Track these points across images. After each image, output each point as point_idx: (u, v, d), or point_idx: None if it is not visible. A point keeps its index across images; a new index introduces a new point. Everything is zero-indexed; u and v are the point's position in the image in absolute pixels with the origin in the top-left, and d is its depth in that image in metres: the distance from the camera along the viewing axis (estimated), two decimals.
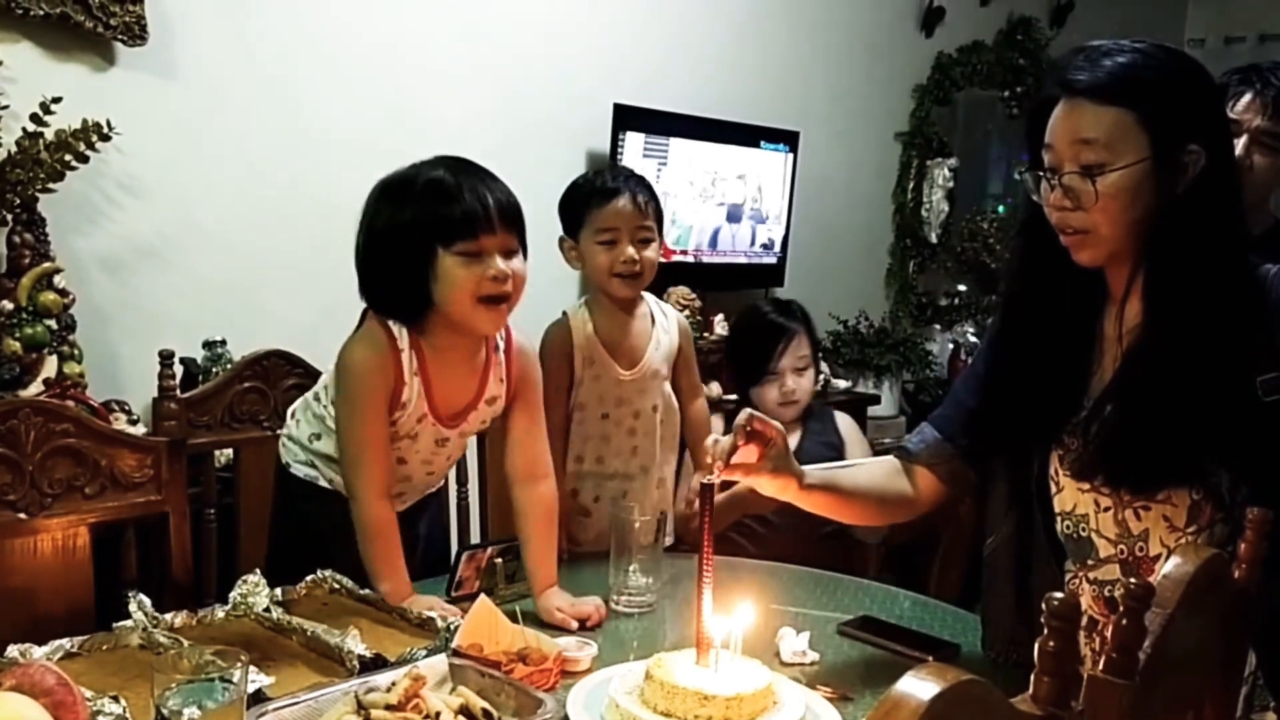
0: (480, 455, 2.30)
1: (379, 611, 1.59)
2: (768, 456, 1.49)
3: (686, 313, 3.11)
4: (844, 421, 2.72)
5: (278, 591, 1.59)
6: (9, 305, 2.22)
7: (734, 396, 2.96)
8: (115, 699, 1.20)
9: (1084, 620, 1.44)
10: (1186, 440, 1.33)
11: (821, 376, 3.95)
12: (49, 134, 2.25)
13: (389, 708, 1.22)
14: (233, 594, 1.57)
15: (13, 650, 1.33)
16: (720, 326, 3.61)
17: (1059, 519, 1.49)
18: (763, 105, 3.91)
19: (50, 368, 2.25)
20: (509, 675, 1.38)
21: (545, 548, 1.75)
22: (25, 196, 2.23)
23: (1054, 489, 1.49)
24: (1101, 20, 4.96)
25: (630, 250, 1.99)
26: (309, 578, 1.65)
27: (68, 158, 2.26)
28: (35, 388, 2.20)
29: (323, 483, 1.83)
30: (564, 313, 2.09)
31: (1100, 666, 0.85)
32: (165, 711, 1.11)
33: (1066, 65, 1.37)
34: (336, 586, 1.65)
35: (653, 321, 2.12)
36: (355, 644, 1.39)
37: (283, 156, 2.77)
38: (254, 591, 1.57)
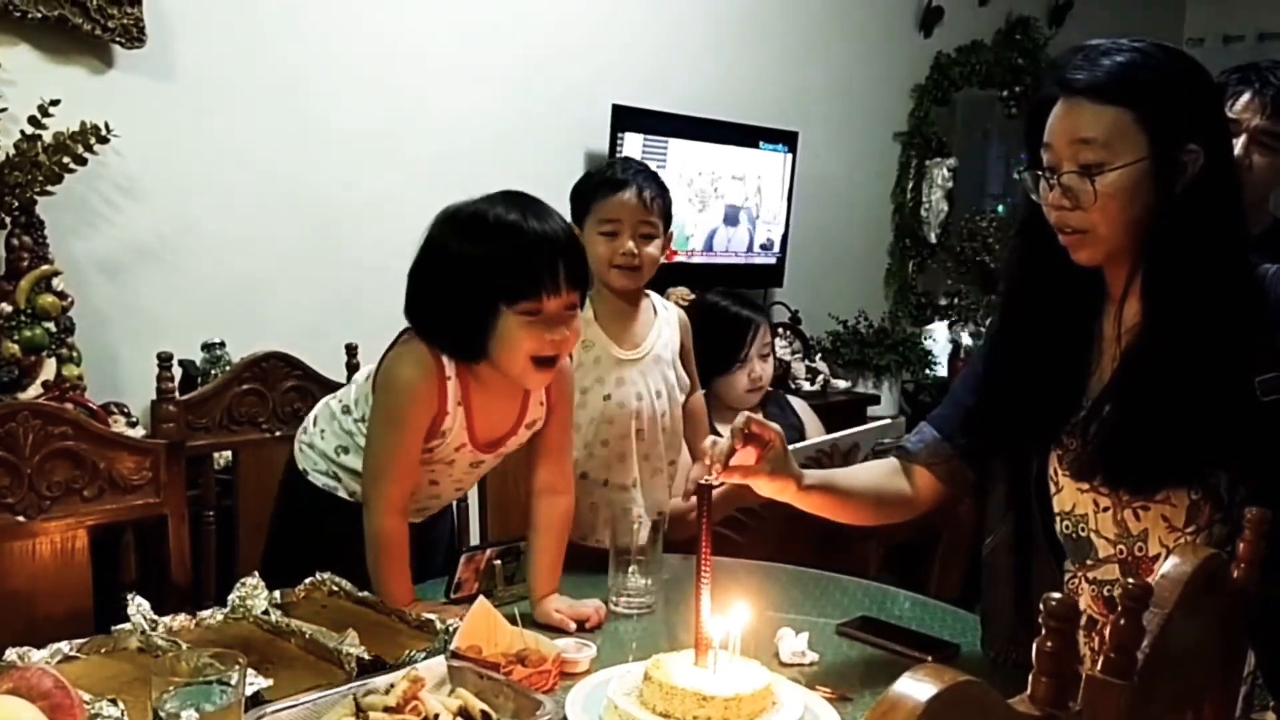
0: None
1: (378, 614, 1.59)
2: (766, 458, 1.49)
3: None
4: (799, 404, 2.90)
5: (276, 594, 1.59)
6: (8, 308, 2.22)
7: None
8: (113, 702, 1.20)
9: (1083, 620, 1.44)
10: (1185, 440, 1.33)
11: (820, 376, 3.97)
12: (47, 136, 2.25)
13: (388, 710, 1.22)
14: (231, 596, 1.57)
15: (11, 654, 1.32)
16: None
17: (1058, 519, 1.48)
18: (761, 106, 3.91)
19: (49, 370, 2.25)
20: (508, 677, 1.37)
21: (553, 559, 1.74)
22: (24, 199, 2.24)
23: (1053, 489, 1.49)
24: (1100, 19, 4.97)
25: (630, 244, 2.00)
26: (307, 580, 1.64)
27: (66, 160, 2.26)
28: (34, 390, 2.20)
29: (342, 493, 1.81)
30: None
31: (1098, 667, 0.85)
32: (163, 714, 1.11)
33: (1065, 64, 1.36)
34: (335, 589, 1.65)
35: (654, 314, 2.13)
36: (354, 646, 1.39)
37: (281, 158, 2.77)
38: (252, 594, 1.56)
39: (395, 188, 2.92)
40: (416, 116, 3.01)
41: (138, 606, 1.46)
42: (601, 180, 2.04)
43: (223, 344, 2.56)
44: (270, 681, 1.30)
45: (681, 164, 3.57)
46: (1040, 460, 1.50)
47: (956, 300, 4.63)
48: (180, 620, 1.51)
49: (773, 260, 4.00)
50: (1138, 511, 1.39)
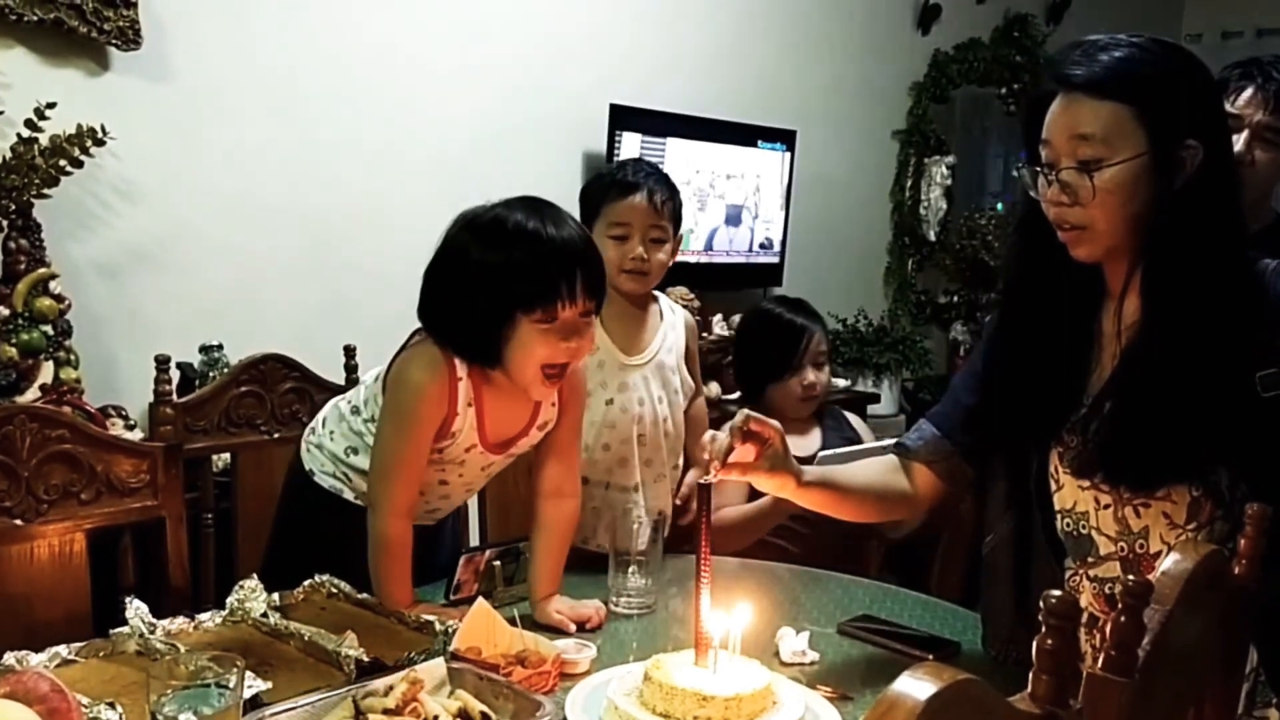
0: None
1: (377, 616, 1.58)
2: (765, 455, 1.49)
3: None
4: (853, 418, 2.85)
5: (275, 596, 1.59)
6: (5, 311, 2.21)
7: (734, 396, 2.96)
8: (111, 705, 1.19)
9: (1084, 618, 1.43)
10: (1186, 437, 1.32)
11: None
12: (43, 139, 2.25)
13: (387, 712, 1.22)
14: (230, 599, 1.56)
15: (9, 657, 1.32)
16: (719, 326, 3.60)
17: (1059, 517, 1.48)
18: (759, 105, 3.91)
19: (46, 373, 2.25)
20: (507, 678, 1.37)
21: (556, 561, 1.74)
22: (20, 202, 2.23)
23: (1054, 486, 1.48)
24: (1098, 16, 4.96)
25: (640, 248, 1.99)
26: (306, 582, 1.64)
27: (62, 163, 2.26)
28: (31, 393, 2.20)
29: (348, 494, 1.81)
30: None
31: (1099, 664, 0.85)
32: (162, 717, 1.11)
33: (1063, 60, 1.36)
34: (334, 591, 1.64)
35: (661, 318, 2.12)
36: (353, 648, 1.39)
37: (278, 160, 2.77)
38: (251, 596, 1.56)
39: (392, 189, 2.91)
40: (413, 116, 3.01)
41: (136, 610, 1.45)
42: (612, 182, 2.02)
43: (220, 346, 2.56)
44: (269, 684, 1.29)
45: (680, 164, 3.56)
46: (1041, 458, 1.49)
47: (956, 298, 4.62)
48: (178, 623, 1.51)
49: (772, 259, 4.00)
50: (1138, 509, 1.39)
